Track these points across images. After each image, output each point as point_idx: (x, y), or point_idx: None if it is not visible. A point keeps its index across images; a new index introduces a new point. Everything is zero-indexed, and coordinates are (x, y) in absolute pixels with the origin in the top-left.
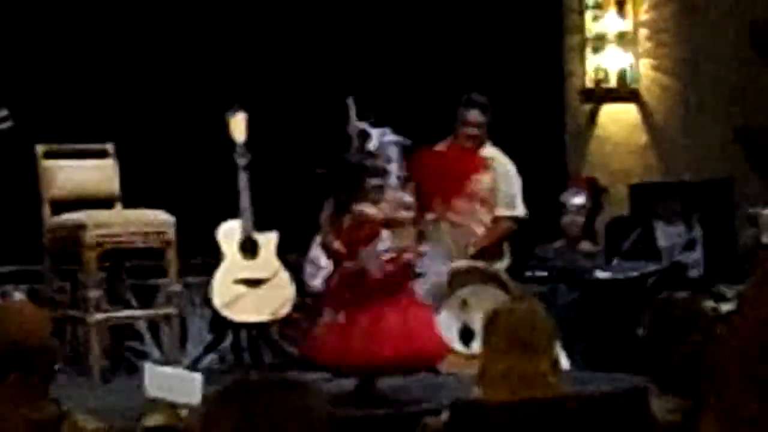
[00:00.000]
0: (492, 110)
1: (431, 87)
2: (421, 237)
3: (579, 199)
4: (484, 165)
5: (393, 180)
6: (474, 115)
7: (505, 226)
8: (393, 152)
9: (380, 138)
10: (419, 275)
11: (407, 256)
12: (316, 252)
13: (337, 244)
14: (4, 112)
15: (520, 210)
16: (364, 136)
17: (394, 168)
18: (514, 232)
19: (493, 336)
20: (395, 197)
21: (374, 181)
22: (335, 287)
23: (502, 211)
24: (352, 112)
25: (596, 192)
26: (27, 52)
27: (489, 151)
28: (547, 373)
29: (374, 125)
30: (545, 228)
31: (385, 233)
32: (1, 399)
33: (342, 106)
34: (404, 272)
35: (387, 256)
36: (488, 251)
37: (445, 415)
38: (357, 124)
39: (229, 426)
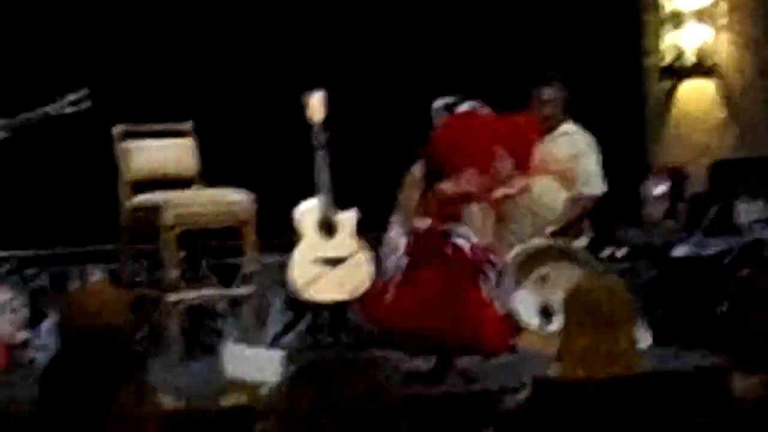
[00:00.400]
0: (569, 87)
1: (509, 65)
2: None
3: (660, 189)
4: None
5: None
6: (548, 92)
7: (584, 203)
8: None
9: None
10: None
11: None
12: (394, 232)
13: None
14: (83, 92)
15: (599, 187)
16: (450, 109)
17: None
18: (593, 209)
19: (573, 313)
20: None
21: None
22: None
23: (581, 189)
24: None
25: (679, 178)
26: (106, 31)
27: (569, 127)
28: (628, 350)
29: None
30: (623, 207)
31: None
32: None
33: (422, 83)
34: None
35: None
36: (568, 229)
37: (524, 393)
38: (441, 101)
39: (306, 404)
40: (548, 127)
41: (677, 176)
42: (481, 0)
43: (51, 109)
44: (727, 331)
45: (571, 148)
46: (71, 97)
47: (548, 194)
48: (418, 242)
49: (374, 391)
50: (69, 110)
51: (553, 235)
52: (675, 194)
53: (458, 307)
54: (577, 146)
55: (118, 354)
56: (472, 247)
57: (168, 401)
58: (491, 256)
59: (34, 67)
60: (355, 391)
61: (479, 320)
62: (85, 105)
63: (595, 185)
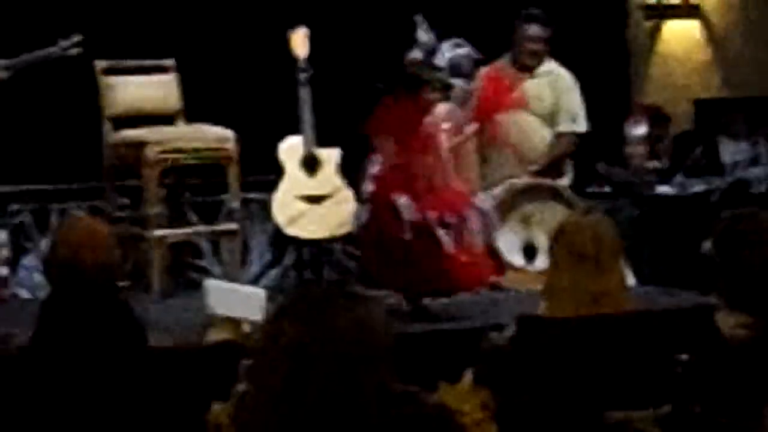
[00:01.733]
0: (552, 24)
1: (492, 2)
2: None
3: (640, 130)
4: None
5: (458, 94)
6: (534, 29)
7: (567, 141)
8: (464, 65)
9: (451, 51)
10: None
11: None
12: (375, 168)
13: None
14: (76, 38)
15: (582, 125)
16: (432, 49)
17: (460, 82)
18: (577, 148)
19: (559, 250)
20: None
21: (434, 95)
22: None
23: (564, 127)
24: (422, 28)
25: (659, 120)
26: None
27: (550, 66)
28: (614, 288)
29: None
30: (606, 147)
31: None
32: None
33: (407, 20)
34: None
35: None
36: (551, 167)
37: (510, 330)
38: (424, 37)
39: (292, 336)
40: (531, 66)
41: (658, 117)
42: None
43: (50, 51)
44: (713, 270)
45: (553, 87)
46: (67, 42)
47: (531, 132)
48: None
49: (360, 325)
50: (67, 53)
51: (537, 173)
52: (656, 135)
53: (420, 269)
54: (559, 85)
55: (107, 292)
56: (421, 212)
57: (155, 338)
58: (460, 205)
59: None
60: (341, 324)
61: (445, 274)
62: (77, 50)
63: (579, 123)
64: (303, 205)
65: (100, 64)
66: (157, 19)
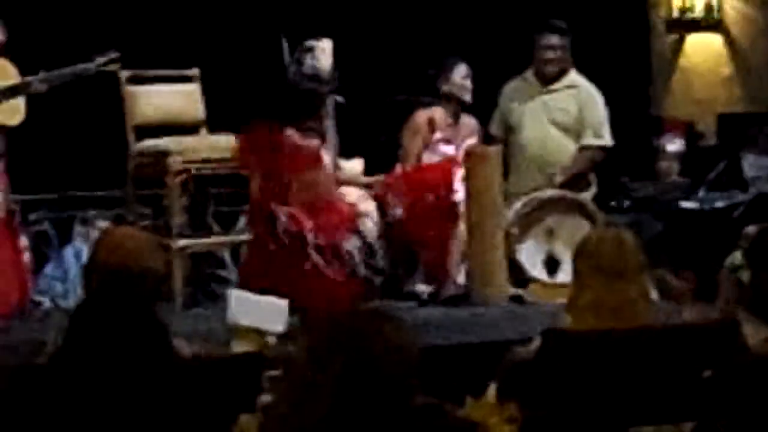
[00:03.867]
0: (571, 35)
1: (514, 16)
2: None
3: (675, 146)
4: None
5: (330, 108)
6: (548, 38)
7: (591, 155)
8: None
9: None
10: None
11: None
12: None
13: None
14: (114, 54)
15: (607, 139)
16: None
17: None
18: (601, 161)
19: (582, 264)
20: None
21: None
22: None
23: (588, 141)
24: (286, 53)
25: (693, 137)
26: None
27: (574, 78)
28: (638, 301)
29: (450, 62)
30: (629, 160)
31: None
32: None
33: (429, 32)
34: None
35: None
36: (575, 181)
37: (535, 344)
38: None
39: (328, 359)
40: (551, 75)
41: (691, 133)
42: None
43: (87, 67)
44: (738, 284)
45: (577, 100)
46: (104, 58)
47: (554, 145)
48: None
49: (394, 349)
50: (103, 69)
51: (561, 186)
52: (689, 151)
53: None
54: (582, 98)
55: (144, 302)
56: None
57: (185, 347)
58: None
59: (43, 12)
60: (377, 349)
61: (307, 290)
62: (115, 67)
63: (604, 137)
64: None
65: (125, 73)
66: (182, 28)
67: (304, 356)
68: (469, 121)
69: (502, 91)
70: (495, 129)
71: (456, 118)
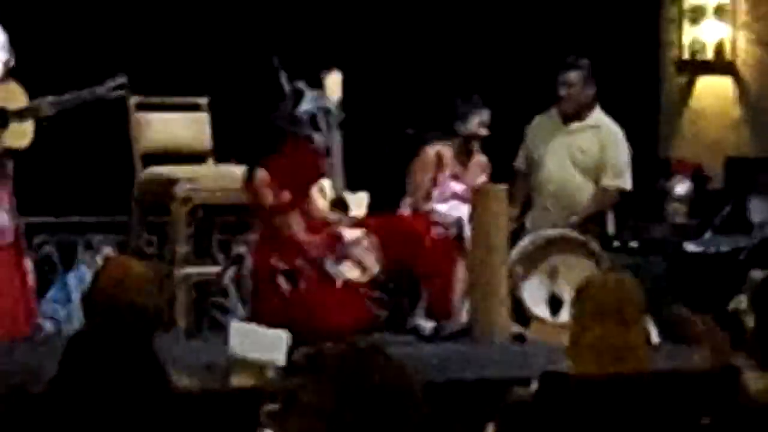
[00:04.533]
0: (590, 72)
1: (528, 56)
2: None
3: (683, 188)
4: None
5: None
6: (566, 75)
7: (609, 196)
8: (321, 118)
9: (311, 103)
10: None
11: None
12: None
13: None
14: (122, 80)
15: (627, 183)
16: (297, 98)
17: (317, 136)
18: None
19: (583, 307)
20: None
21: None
22: None
23: (608, 182)
24: (282, 73)
25: (700, 180)
26: (122, 3)
27: (597, 118)
28: (638, 345)
29: (473, 106)
30: (637, 201)
31: None
32: None
33: (441, 69)
34: None
35: None
36: (591, 221)
37: (534, 386)
38: (287, 86)
39: (323, 396)
40: (567, 112)
41: (699, 175)
42: None
43: (97, 91)
44: (744, 329)
45: (599, 140)
46: (113, 83)
47: (573, 184)
48: None
49: (393, 381)
50: (112, 95)
51: (576, 226)
52: (697, 194)
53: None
54: (604, 137)
55: (140, 335)
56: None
57: (181, 380)
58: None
59: (52, 36)
60: (373, 380)
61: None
62: (122, 92)
63: (624, 180)
64: None
65: (134, 99)
66: (192, 56)
67: (308, 393)
68: (480, 159)
69: (529, 126)
70: (520, 163)
71: (468, 155)
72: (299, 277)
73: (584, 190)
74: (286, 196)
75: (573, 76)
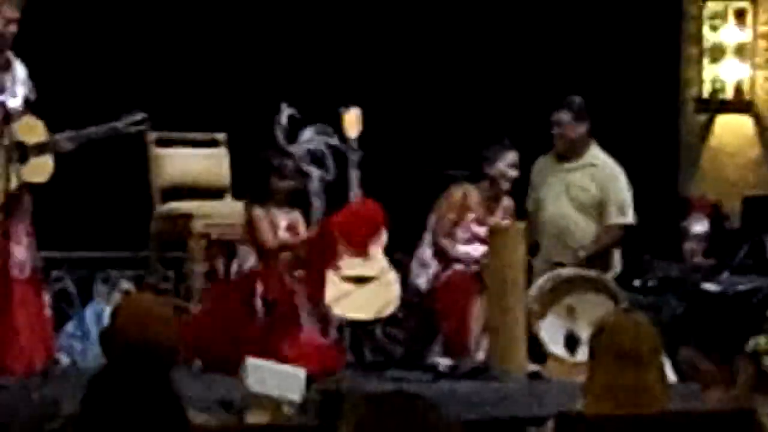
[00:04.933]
0: (586, 113)
1: (548, 93)
2: None
3: (701, 227)
4: None
5: (315, 184)
6: (557, 114)
7: (614, 233)
8: (323, 154)
9: (311, 138)
10: None
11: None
12: (424, 251)
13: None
14: (142, 116)
15: (630, 218)
16: (292, 135)
17: (315, 172)
18: (624, 239)
19: (599, 348)
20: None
21: (283, 183)
22: None
23: (612, 219)
24: (284, 112)
25: (718, 218)
26: (141, 40)
27: (593, 155)
28: (654, 385)
29: (502, 147)
30: (654, 239)
31: None
32: None
33: (458, 108)
34: None
35: None
36: (598, 259)
37: (549, 425)
38: (284, 122)
39: None
40: (560, 151)
41: (717, 214)
42: (518, 25)
43: (115, 126)
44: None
45: (596, 177)
46: (132, 118)
47: (573, 223)
48: None
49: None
50: (131, 130)
51: (585, 262)
52: (714, 232)
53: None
54: (600, 174)
55: (161, 373)
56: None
57: (198, 418)
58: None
59: (72, 71)
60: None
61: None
62: (142, 128)
63: (626, 215)
64: (349, 286)
65: (152, 135)
66: (210, 92)
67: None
68: (506, 204)
69: (533, 167)
70: (529, 205)
71: (496, 200)
72: (275, 310)
73: (585, 230)
74: (278, 241)
75: (563, 115)
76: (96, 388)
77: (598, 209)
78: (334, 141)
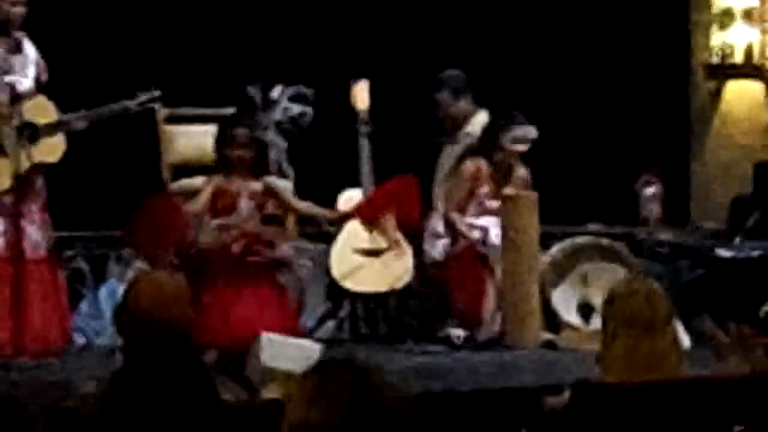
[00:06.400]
0: (462, 90)
1: (559, 61)
2: None
3: (651, 189)
4: None
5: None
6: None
7: None
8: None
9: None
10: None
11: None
12: (436, 222)
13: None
14: (156, 93)
15: None
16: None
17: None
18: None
19: (612, 317)
20: None
21: (237, 152)
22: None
23: None
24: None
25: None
26: (151, 16)
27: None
28: (668, 352)
29: (512, 121)
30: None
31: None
32: None
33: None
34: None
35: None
36: None
37: (566, 395)
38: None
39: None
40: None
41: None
42: None
43: (128, 105)
44: None
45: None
46: (146, 96)
47: None
48: None
49: (380, 394)
50: (144, 107)
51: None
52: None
53: None
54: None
55: (182, 349)
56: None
57: (228, 394)
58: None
59: (82, 50)
60: (360, 395)
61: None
62: (156, 105)
63: None
64: (360, 259)
65: (162, 112)
66: (220, 67)
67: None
68: (521, 174)
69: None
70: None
71: (509, 171)
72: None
73: None
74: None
75: (440, 96)
76: (128, 367)
77: None
78: (299, 109)
